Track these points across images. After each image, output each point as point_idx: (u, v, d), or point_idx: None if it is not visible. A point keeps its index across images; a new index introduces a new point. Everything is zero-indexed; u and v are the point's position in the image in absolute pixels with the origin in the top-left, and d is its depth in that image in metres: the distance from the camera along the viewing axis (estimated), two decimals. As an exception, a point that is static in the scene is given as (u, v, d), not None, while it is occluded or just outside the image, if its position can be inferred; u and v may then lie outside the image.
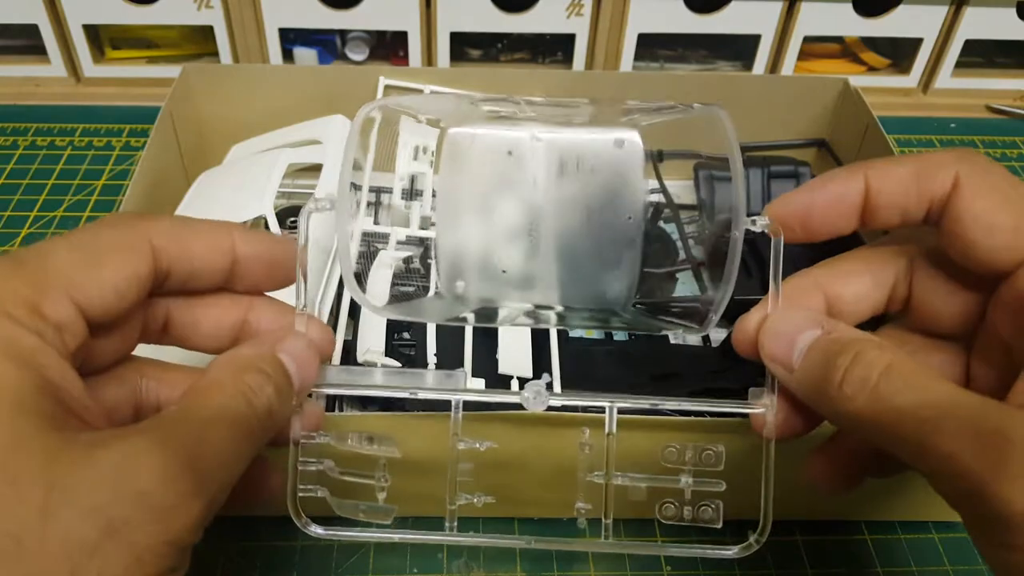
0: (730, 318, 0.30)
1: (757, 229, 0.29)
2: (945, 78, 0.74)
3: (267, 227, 0.46)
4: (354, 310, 0.45)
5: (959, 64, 0.73)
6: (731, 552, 0.31)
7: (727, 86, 0.61)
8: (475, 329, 0.44)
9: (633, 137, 0.35)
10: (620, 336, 0.49)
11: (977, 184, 0.27)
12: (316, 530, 0.31)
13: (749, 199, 0.54)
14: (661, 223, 0.53)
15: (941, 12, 0.70)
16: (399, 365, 0.43)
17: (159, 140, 0.52)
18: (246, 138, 0.58)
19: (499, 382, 0.43)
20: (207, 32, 0.69)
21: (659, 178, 0.55)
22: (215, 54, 0.70)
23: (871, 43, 0.76)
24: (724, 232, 0.29)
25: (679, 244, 0.52)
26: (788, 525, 0.42)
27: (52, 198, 0.61)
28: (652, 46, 0.74)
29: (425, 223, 0.49)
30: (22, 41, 0.71)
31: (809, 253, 0.33)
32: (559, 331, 0.45)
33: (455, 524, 0.31)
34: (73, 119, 0.68)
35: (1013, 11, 0.70)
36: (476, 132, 0.36)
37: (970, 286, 0.29)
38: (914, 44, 0.72)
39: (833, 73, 0.74)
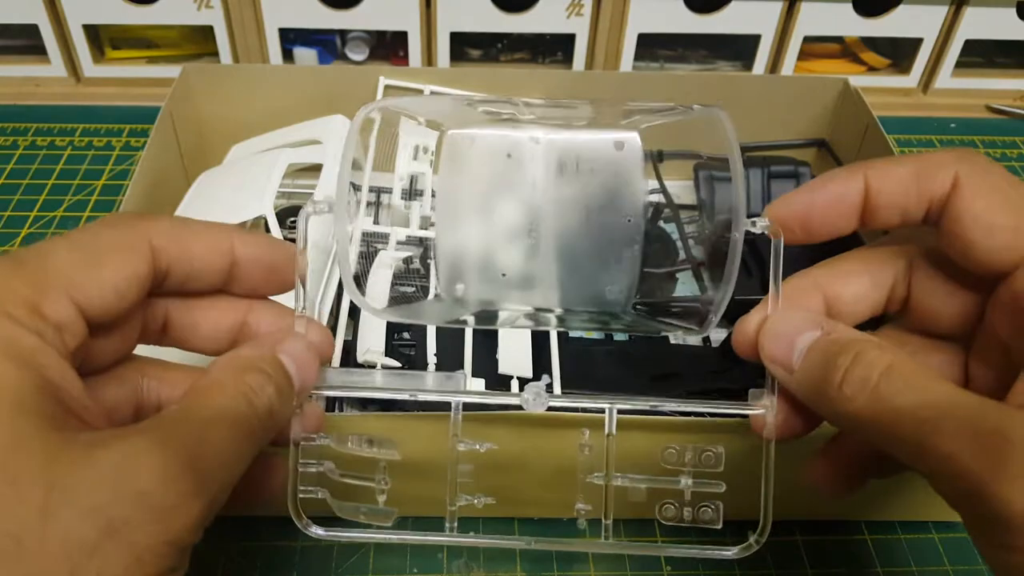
0: (730, 319, 0.30)
1: (757, 230, 0.29)
2: (945, 78, 0.74)
3: (267, 227, 0.46)
4: (354, 310, 0.45)
5: (959, 64, 0.73)
6: (731, 552, 0.31)
7: (727, 86, 0.61)
8: (475, 330, 0.44)
9: (633, 139, 0.35)
10: (620, 336, 0.49)
11: (977, 184, 0.27)
12: (317, 531, 0.31)
13: (749, 199, 0.54)
14: (661, 223, 0.53)
15: (941, 12, 0.70)
16: (399, 365, 0.43)
17: (159, 140, 0.52)
18: (246, 138, 0.58)
19: (499, 382, 0.43)
20: (207, 32, 0.69)
21: (659, 178, 0.55)
22: (215, 54, 0.70)
23: (871, 43, 0.76)
24: (724, 232, 0.29)
25: (679, 244, 0.52)
26: (788, 525, 0.42)
27: (52, 198, 0.61)
28: (652, 46, 0.74)
29: (425, 223, 0.49)
30: (22, 41, 0.71)
31: (808, 253, 0.33)
32: (559, 331, 0.45)
33: (456, 525, 0.31)
34: (73, 119, 0.68)
35: (1013, 11, 0.70)
36: (475, 134, 0.36)
37: (969, 286, 0.29)
38: (914, 44, 0.72)
39: (833, 73, 0.74)
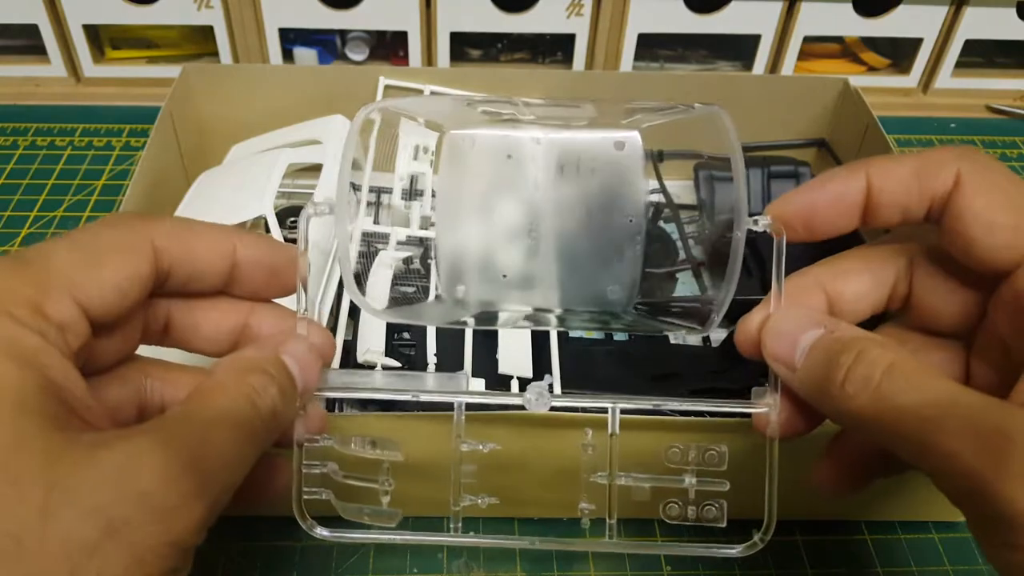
0: (730, 318, 0.30)
1: (759, 229, 0.29)
2: (945, 78, 0.74)
3: (267, 227, 0.46)
4: (354, 310, 0.45)
5: (959, 64, 0.73)
6: (735, 551, 0.31)
7: (727, 86, 0.61)
8: (475, 330, 0.44)
9: (633, 138, 0.35)
10: (620, 336, 0.49)
11: (978, 182, 0.27)
12: (321, 532, 0.31)
13: (749, 199, 0.53)
14: (661, 223, 0.53)
15: (941, 12, 0.70)
16: (399, 365, 0.43)
17: (159, 140, 0.52)
18: (246, 138, 0.58)
19: (499, 382, 0.43)
20: (207, 32, 0.69)
21: (659, 178, 0.55)
22: (215, 54, 0.70)
23: (871, 43, 0.76)
24: (725, 232, 0.29)
25: (679, 244, 0.52)
26: (788, 525, 0.42)
27: (52, 198, 0.61)
28: (652, 46, 0.74)
29: (425, 223, 0.49)
30: (22, 41, 0.71)
31: (809, 252, 0.33)
32: (559, 331, 0.45)
33: (459, 525, 0.31)
34: (73, 119, 0.68)
35: (1013, 11, 0.70)
36: (476, 134, 0.36)
37: (970, 285, 0.29)
38: (914, 44, 0.72)
39: (833, 73, 0.74)
